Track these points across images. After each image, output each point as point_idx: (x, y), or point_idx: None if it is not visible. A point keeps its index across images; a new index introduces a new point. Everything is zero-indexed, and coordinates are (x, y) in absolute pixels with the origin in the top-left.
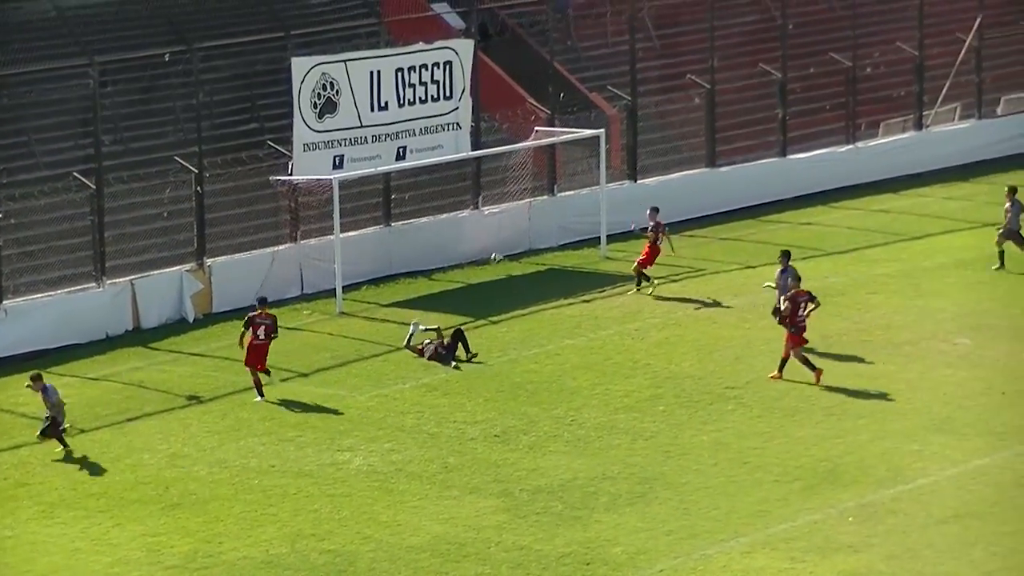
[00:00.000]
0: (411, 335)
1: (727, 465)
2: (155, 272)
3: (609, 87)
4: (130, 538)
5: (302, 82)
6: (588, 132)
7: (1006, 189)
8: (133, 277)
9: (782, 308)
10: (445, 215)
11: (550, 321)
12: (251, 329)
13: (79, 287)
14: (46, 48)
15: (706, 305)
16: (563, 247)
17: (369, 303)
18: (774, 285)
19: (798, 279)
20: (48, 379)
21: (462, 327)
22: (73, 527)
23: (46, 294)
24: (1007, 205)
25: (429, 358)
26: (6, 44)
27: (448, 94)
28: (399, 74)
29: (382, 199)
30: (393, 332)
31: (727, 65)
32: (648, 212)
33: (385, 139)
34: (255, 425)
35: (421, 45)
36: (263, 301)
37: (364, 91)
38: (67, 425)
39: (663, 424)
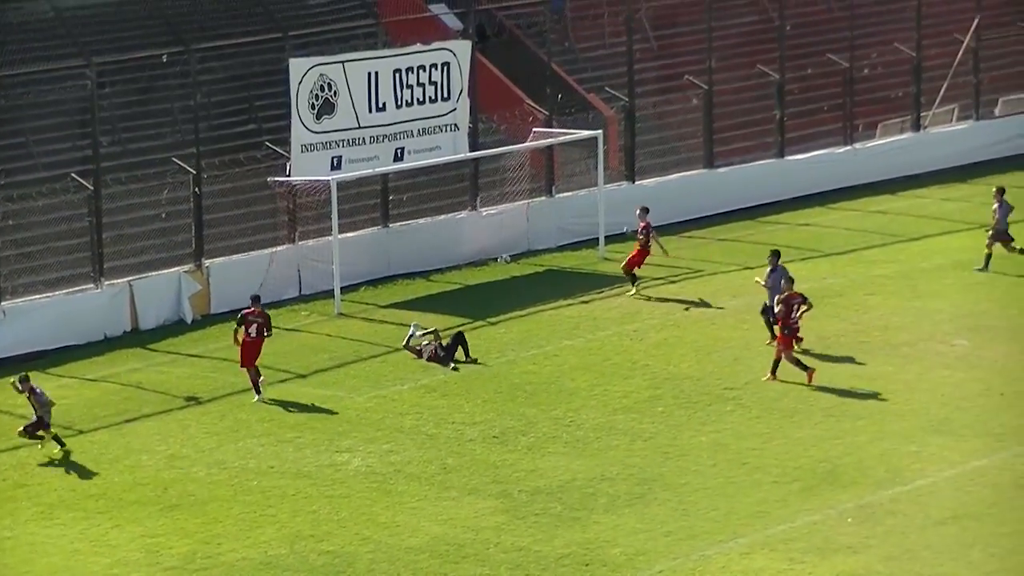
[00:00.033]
0: (410, 336)
1: (726, 466)
2: (153, 273)
3: (607, 88)
4: (129, 539)
5: (300, 83)
6: (586, 133)
7: (994, 190)
8: (131, 278)
9: (776, 311)
10: (443, 216)
11: (548, 322)
12: (243, 327)
13: (77, 288)
14: (44, 49)
15: (695, 305)
16: (561, 248)
17: (367, 304)
18: (764, 283)
19: (791, 280)
20: (46, 380)
21: (462, 330)
22: (72, 528)
23: (44, 295)
24: (995, 206)
25: (428, 359)
26: (4, 45)
27: (446, 95)
28: (397, 75)
29: (380, 200)
30: (391, 333)
31: (725, 66)
32: (637, 212)
33: (383, 140)
34: (254, 426)
35: (419, 46)
36: (256, 299)
37: (362, 92)
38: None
39: (662, 425)
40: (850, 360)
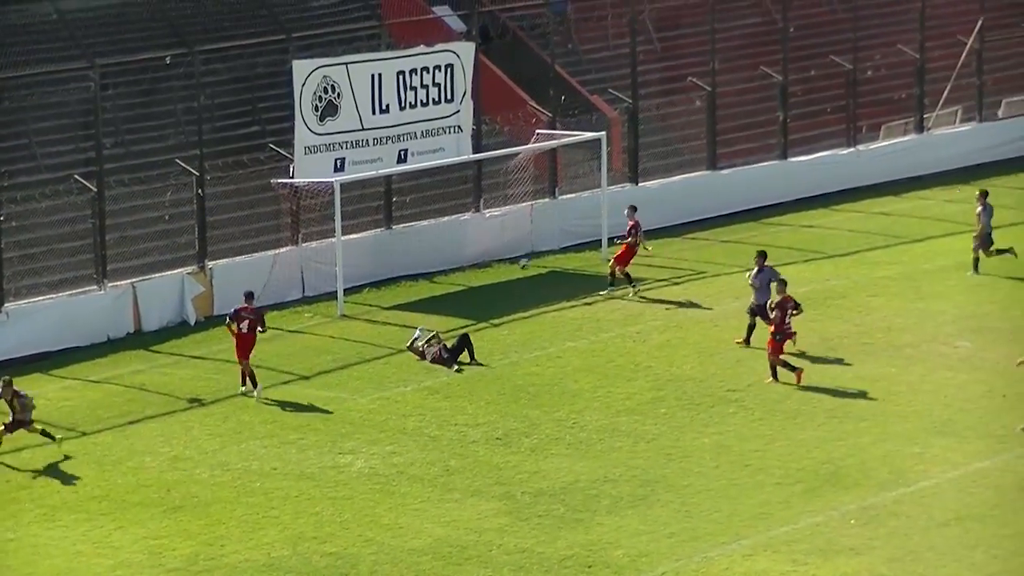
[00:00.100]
0: (415, 339)
1: (729, 468)
2: (156, 275)
3: (610, 90)
4: (132, 541)
5: (303, 85)
6: (589, 135)
7: (977, 193)
8: (134, 280)
9: (772, 316)
10: (446, 218)
11: (551, 324)
12: (236, 322)
13: (80, 290)
14: (47, 51)
15: (680, 306)
16: (564, 250)
17: (370, 306)
18: (751, 284)
19: (784, 283)
20: (49, 381)
21: (467, 333)
22: (75, 530)
23: (47, 297)
24: (979, 209)
25: (432, 361)
26: (7, 47)
27: (449, 97)
28: (400, 77)
29: (383, 202)
30: (394, 335)
31: (728, 68)
32: (626, 211)
33: (386, 142)
34: (257, 428)
35: (422, 48)
36: (249, 296)
37: (365, 94)
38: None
39: (665, 427)
40: (853, 362)
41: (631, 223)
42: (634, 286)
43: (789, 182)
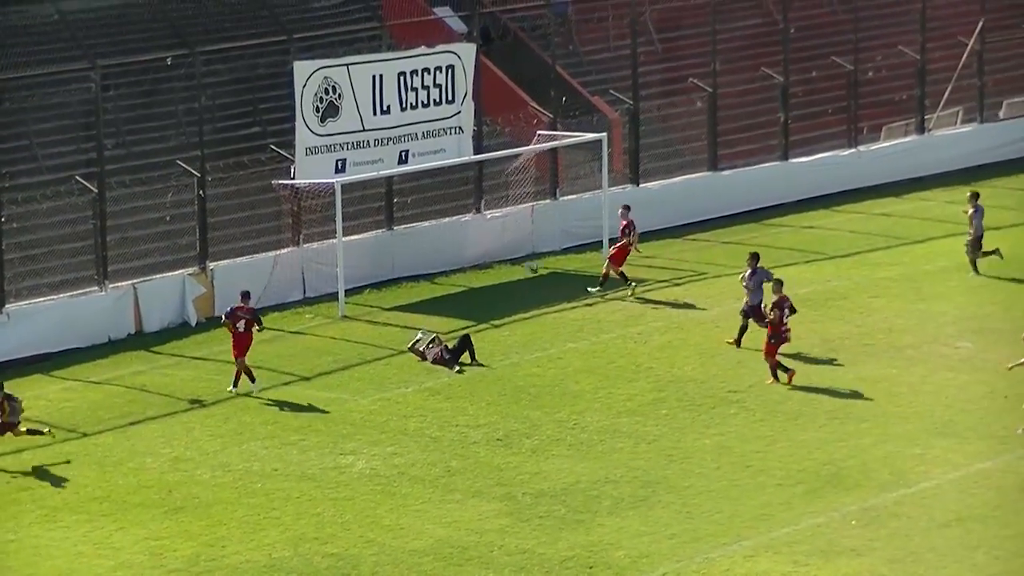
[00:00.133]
0: (416, 340)
1: (730, 469)
2: (157, 276)
3: (611, 91)
4: (133, 542)
5: (304, 86)
6: (590, 136)
7: (968, 194)
8: (135, 281)
9: (770, 316)
10: (447, 219)
11: (552, 325)
12: (232, 321)
13: (81, 291)
14: (48, 52)
15: (675, 306)
16: (565, 251)
17: (371, 307)
18: (745, 285)
19: (780, 283)
20: (51, 382)
21: (468, 334)
22: (76, 531)
23: (48, 298)
24: (971, 211)
25: (433, 362)
26: (8, 48)
27: (450, 98)
28: (401, 78)
29: (384, 203)
30: (395, 336)
31: (729, 69)
32: (620, 210)
33: (387, 143)
34: (257, 429)
35: (423, 49)
36: (245, 295)
37: (366, 95)
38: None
39: (666, 428)
40: (854, 363)
41: (624, 223)
42: (630, 285)
43: (790, 183)
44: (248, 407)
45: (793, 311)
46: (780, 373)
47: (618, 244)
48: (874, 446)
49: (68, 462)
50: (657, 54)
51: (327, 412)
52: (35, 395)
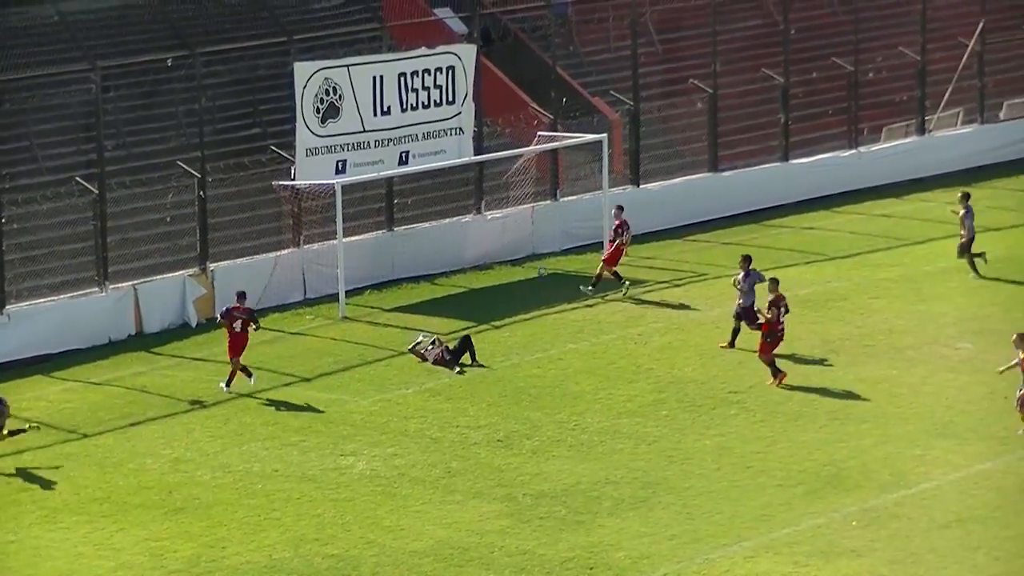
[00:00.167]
0: (417, 342)
1: (730, 470)
2: (158, 277)
3: (612, 92)
4: (133, 543)
5: (304, 87)
6: (591, 137)
7: (959, 195)
8: (136, 282)
9: (768, 315)
10: (448, 220)
11: (553, 326)
12: (229, 321)
13: (82, 292)
14: (49, 53)
15: (671, 307)
16: (566, 252)
17: (372, 308)
18: (738, 288)
19: (775, 281)
20: (51, 383)
21: (469, 335)
22: (76, 532)
23: (49, 299)
24: (962, 212)
25: (434, 363)
26: (9, 49)
27: (451, 99)
28: (402, 79)
29: (385, 204)
30: (396, 337)
31: (729, 70)
32: (613, 211)
33: (388, 144)
34: (258, 430)
35: (424, 50)
36: (241, 295)
37: (367, 96)
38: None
39: (666, 429)
40: (854, 364)
41: (617, 223)
42: (624, 284)
43: (790, 184)
44: (248, 408)
45: (787, 310)
46: (771, 375)
47: (615, 244)
48: (874, 447)
49: (68, 462)
50: (657, 55)
51: (328, 413)
52: (35, 396)
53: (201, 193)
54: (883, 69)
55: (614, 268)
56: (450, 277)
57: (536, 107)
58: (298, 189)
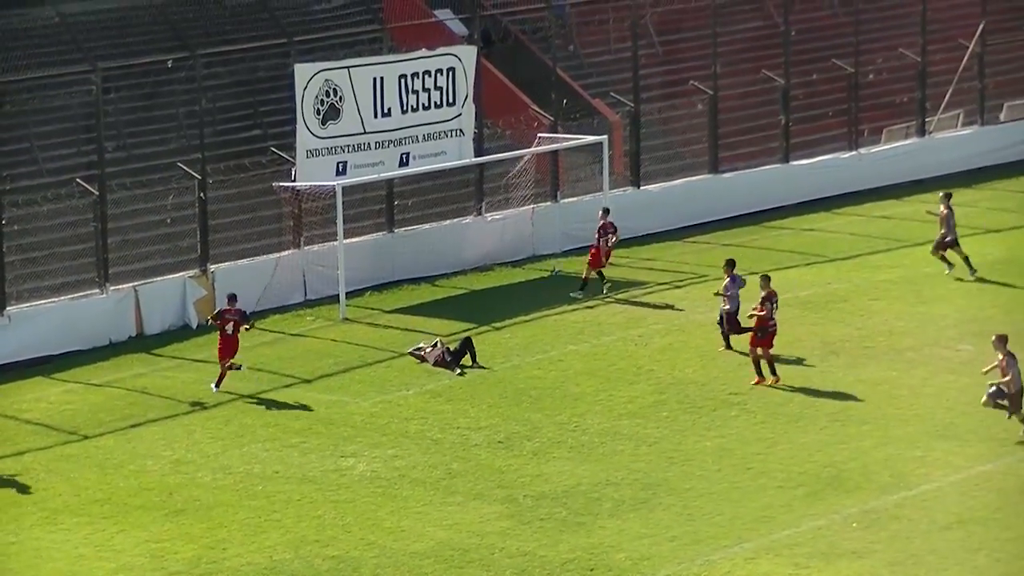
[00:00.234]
0: (418, 347)
1: (731, 471)
2: (158, 278)
3: (612, 93)
4: (134, 544)
5: (305, 88)
6: (591, 138)
7: (941, 194)
8: (136, 283)
9: (761, 312)
10: (448, 221)
11: (553, 327)
12: (221, 323)
13: (82, 293)
14: (49, 55)
15: (673, 309)
16: (566, 253)
17: (372, 309)
18: (723, 294)
19: (767, 277)
20: (52, 385)
21: (470, 336)
22: (77, 533)
23: (49, 300)
24: (944, 212)
25: (435, 364)
26: (9, 51)
27: (451, 100)
28: (402, 80)
29: (385, 205)
30: (396, 338)
31: (730, 71)
32: (600, 212)
33: (388, 145)
34: (259, 431)
35: (424, 51)
36: (232, 297)
37: (367, 97)
38: None
39: (667, 430)
40: (854, 365)
41: (600, 224)
42: (604, 284)
43: (791, 185)
44: (249, 410)
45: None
46: (764, 373)
47: (609, 245)
48: (875, 448)
49: (69, 463)
50: (658, 56)
51: (328, 414)
52: (36, 397)
53: (202, 194)
54: (883, 71)
55: (599, 269)
56: (451, 278)
57: (536, 108)
58: (299, 190)
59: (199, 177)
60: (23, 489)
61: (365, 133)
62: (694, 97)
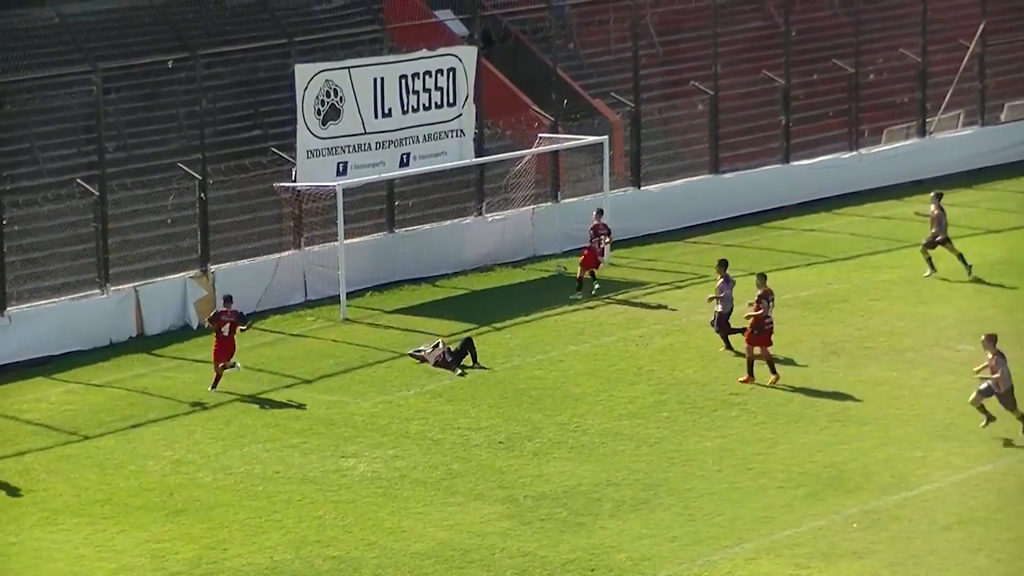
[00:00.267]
0: (419, 349)
1: (731, 471)
2: (159, 279)
3: (612, 94)
4: (134, 544)
5: (305, 89)
6: (591, 139)
7: (932, 194)
8: (137, 284)
9: (757, 310)
10: (449, 222)
11: (554, 328)
12: (217, 325)
13: (83, 294)
14: (50, 55)
15: (673, 310)
16: (567, 253)
17: (373, 310)
18: (717, 296)
19: (763, 276)
20: (52, 385)
21: (470, 337)
22: (77, 534)
23: (50, 301)
24: (935, 212)
25: (435, 364)
26: (10, 51)
27: (452, 101)
28: (403, 81)
29: (386, 206)
30: (397, 339)
31: (730, 72)
32: (593, 213)
33: (389, 146)
34: (259, 432)
35: (424, 52)
36: (228, 299)
37: (368, 98)
38: None
39: (667, 430)
40: (855, 366)
41: (593, 224)
42: (595, 284)
43: (791, 186)
44: (250, 410)
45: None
46: (760, 371)
47: (602, 247)
48: (875, 449)
49: (69, 463)
50: (658, 57)
51: (329, 415)
52: (36, 398)
53: (202, 195)
54: (884, 71)
55: (592, 269)
56: (451, 279)
57: (537, 109)
58: (299, 191)
59: (200, 177)
60: (23, 489)
61: (366, 133)
62: (694, 97)
